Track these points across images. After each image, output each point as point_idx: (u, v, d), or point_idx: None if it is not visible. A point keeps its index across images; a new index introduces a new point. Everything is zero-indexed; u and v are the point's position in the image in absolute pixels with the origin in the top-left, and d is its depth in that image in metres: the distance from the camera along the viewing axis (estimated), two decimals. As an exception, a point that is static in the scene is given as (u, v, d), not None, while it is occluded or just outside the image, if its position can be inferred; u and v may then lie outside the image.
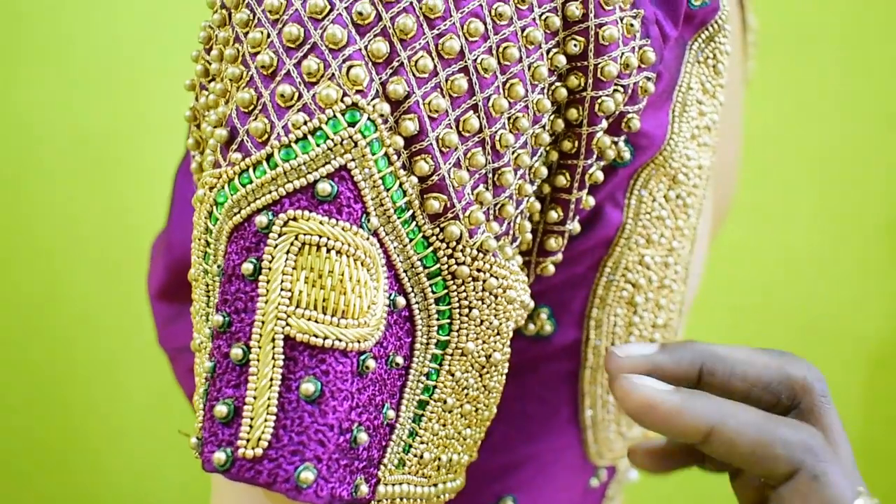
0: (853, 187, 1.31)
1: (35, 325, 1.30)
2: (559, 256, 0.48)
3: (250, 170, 0.39)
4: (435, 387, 0.43)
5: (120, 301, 1.30)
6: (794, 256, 1.33)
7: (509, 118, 0.41)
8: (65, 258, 1.29)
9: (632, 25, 0.44)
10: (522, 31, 0.41)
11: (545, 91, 0.43)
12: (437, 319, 0.42)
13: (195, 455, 0.40)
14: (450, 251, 0.41)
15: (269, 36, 0.39)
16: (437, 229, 0.41)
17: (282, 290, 0.37)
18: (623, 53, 0.44)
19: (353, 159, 0.38)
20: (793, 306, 1.34)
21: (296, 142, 0.38)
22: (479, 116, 0.40)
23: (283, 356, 0.37)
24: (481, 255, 0.41)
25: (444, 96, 0.39)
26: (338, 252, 0.38)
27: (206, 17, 0.47)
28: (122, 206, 1.29)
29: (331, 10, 0.38)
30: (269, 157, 0.38)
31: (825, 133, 1.30)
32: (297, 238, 0.38)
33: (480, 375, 0.44)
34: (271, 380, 0.37)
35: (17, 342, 1.30)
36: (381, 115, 0.38)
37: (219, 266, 0.41)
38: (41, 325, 1.30)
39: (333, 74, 0.38)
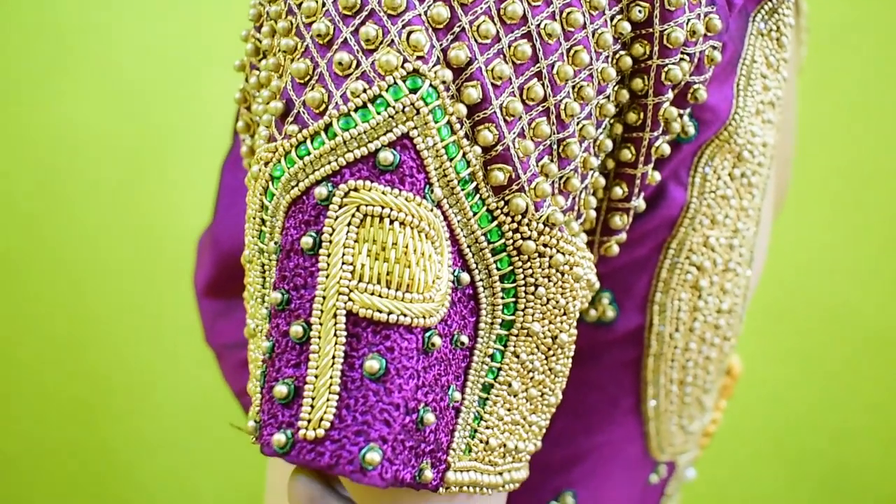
0: (875, 182, 1.28)
1: (66, 333, 1.30)
2: (623, 235, 0.46)
3: (308, 141, 0.37)
4: (500, 369, 0.41)
5: (154, 310, 1.29)
6: (816, 250, 1.30)
7: (574, 87, 0.40)
8: (100, 266, 1.29)
9: None
10: None
11: (609, 59, 0.41)
12: (502, 298, 0.40)
13: (252, 440, 0.38)
14: (515, 225, 0.39)
15: (324, 5, 0.38)
16: (502, 202, 0.39)
17: (343, 263, 0.36)
18: (689, 20, 0.42)
19: (416, 127, 0.37)
20: (816, 301, 1.31)
21: (355, 110, 0.37)
22: (543, 84, 0.39)
23: (345, 332, 0.36)
24: (547, 229, 0.40)
25: (507, 63, 0.38)
26: (401, 223, 0.36)
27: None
28: (157, 215, 1.28)
29: None
30: (327, 126, 0.37)
31: (849, 128, 1.27)
32: (358, 209, 0.36)
33: (546, 358, 0.42)
34: (333, 357, 0.36)
35: (48, 352, 1.30)
36: (444, 82, 0.37)
37: (276, 243, 0.39)
38: (72, 333, 1.30)
39: (393, 41, 0.37)
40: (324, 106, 0.37)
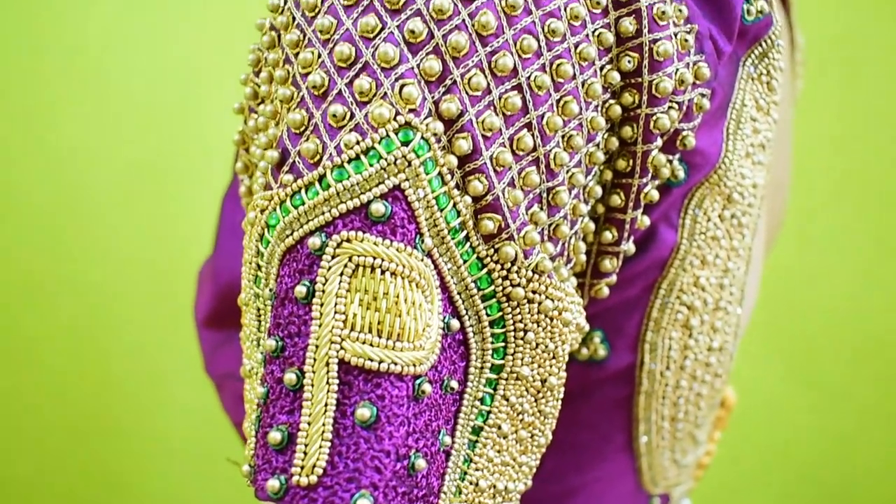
0: (873, 192, 1.29)
1: (82, 353, 1.31)
2: (613, 278, 0.47)
3: (302, 191, 0.38)
4: (489, 412, 0.42)
5: (167, 330, 1.30)
6: (816, 257, 1.30)
7: (563, 136, 0.40)
8: (112, 287, 1.30)
9: (686, 41, 0.43)
10: (576, 47, 0.40)
11: (599, 108, 0.42)
12: (492, 343, 0.41)
13: (247, 483, 0.39)
14: (504, 272, 0.40)
15: (320, 56, 0.39)
16: (492, 250, 0.40)
17: (336, 312, 0.37)
18: (678, 69, 0.43)
19: (407, 179, 0.37)
20: (812, 316, 1.31)
21: (348, 162, 0.37)
22: (533, 135, 0.39)
23: (337, 381, 0.37)
24: (536, 276, 0.41)
25: (497, 114, 0.39)
26: (392, 273, 0.37)
27: (247, 44, 0.47)
28: (168, 236, 1.30)
29: (382, 29, 0.38)
30: (321, 177, 0.38)
31: (861, 142, 1.28)
32: (350, 259, 0.37)
33: (536, 400, 0.43)
34: (326, 405, 0.37)
35: (64, 369, 1.31)
36: (435, 134, 0.38)
37: (270, 290, 0.40)
38: (88, 353, 1.31)
39: (386, 93, 0.37)
40: (318, 157, 0.38)
